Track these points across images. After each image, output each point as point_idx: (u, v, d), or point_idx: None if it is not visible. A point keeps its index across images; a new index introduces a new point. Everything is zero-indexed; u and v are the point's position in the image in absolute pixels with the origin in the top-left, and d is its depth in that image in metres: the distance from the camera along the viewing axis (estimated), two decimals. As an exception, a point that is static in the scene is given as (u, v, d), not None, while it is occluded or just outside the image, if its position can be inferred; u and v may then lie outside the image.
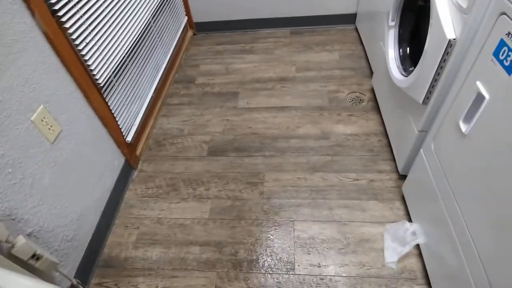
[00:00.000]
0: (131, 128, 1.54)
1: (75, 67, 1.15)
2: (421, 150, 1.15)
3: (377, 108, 1.74)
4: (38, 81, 1.01)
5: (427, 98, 1.09)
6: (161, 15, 1.89)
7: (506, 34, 0.71)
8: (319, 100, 1.85)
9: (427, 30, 1.05)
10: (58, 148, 1.09)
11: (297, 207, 1.38)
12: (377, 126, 1.66)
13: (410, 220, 1.26)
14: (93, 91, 1.27)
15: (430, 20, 1.02)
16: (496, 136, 0.74)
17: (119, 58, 1.41)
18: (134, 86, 1.58)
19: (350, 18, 2.36)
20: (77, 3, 1.14)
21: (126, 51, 1.47)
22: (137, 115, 1.61)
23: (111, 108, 1.38)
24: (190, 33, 2.45)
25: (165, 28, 1.95)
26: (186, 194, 1.48)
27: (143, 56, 1.67)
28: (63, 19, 1.07)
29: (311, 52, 2.20)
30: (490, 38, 0.76)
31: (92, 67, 1.23)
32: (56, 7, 1.04)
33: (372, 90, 1.84)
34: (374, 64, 1.89)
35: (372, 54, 1.94)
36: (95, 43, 1.25)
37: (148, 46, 1.74)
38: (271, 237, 1.30)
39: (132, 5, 1.52)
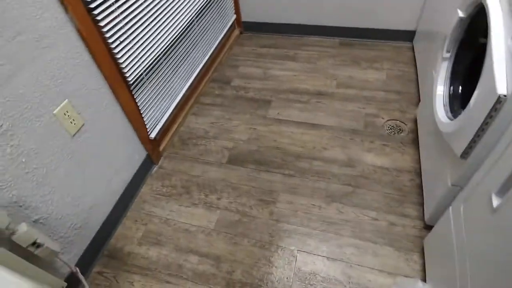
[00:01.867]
0: (156, 124, 1.57)
1: (106, 64, 1.18)
2: (450, 207, 1.02)
3: (416, 142, 1.58)
4: (65, 76, 1.04)
5: (466, 153, 0.95)
6: (206, 14, 1.88)
7: None
8: (353, 123, 1.73)
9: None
10: (78, 141, 1.14)
11: (304, 236, 1.31)
12: (413, 163, 1.51)
13: (424, 279, 1.14)
14: (122, 88, 1.30)
15: (483, 67, 0.88)
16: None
17: (152, 57, 1.42)
18: (166, 84, 1.59)
19: (408, 35, 2.16)
20: (115, 2, 1.16)
21: (161, 50, 1.47)
22: (165, 113, 1.63)
23: (138, 105, 1.40)
24: (236, 31, 2.42)
25: (209, 27, 1.94)
26: (197, 200, 1.47)
27: (180, 54, 1.68)
28: (99, 18, 1.10)
29: (357, 67, 2.07)
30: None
31: (123, 65, 1.26)
32: (92, 5, 1.07)
33: (416, 121, 1.68)
34: (423, 91, 1.71)
35: (423, 79, 1.76)
36: (129, 42, 1.27)
37: (188, 44, 1.74)
38: (271, 263, 1.25)
39: (173, 5, 1.52)
